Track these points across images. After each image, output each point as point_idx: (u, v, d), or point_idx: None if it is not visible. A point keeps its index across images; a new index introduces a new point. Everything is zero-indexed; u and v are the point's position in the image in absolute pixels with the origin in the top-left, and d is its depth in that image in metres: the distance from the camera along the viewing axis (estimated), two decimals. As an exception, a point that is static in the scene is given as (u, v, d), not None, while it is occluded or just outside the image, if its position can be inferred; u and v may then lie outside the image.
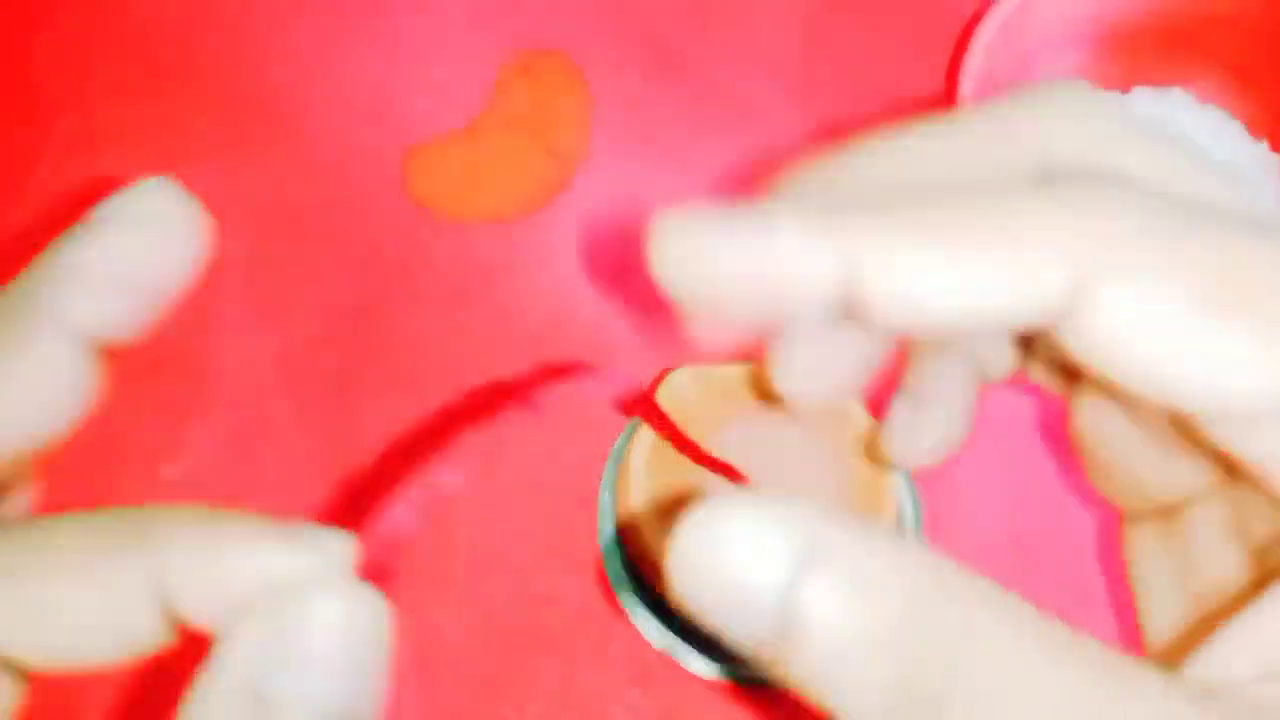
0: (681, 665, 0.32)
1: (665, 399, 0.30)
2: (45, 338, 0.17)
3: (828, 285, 0.15)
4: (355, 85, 0.39)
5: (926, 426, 0.20)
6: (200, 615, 0.15)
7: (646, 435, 0.30)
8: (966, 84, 0.34)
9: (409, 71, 0.40)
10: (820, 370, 0.19)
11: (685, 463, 0.30)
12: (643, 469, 0.29)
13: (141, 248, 0.18)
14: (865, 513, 0.30)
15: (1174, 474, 0.19)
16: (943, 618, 0.13)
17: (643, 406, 0.29)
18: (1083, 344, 0.15)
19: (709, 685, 0.32)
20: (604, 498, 0.33)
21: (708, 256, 0.15)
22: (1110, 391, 0.16)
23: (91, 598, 0.15)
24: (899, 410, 0.21)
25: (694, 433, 0.30)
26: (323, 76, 0.40)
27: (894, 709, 0.13)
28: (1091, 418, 0.19)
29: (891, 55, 0.40)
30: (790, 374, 0.19)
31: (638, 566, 0.31)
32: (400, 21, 0.40)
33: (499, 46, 0.40)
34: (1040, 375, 0.20)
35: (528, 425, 0.35)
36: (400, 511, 0.18)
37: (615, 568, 0.33)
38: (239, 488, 0.35)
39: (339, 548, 0.15)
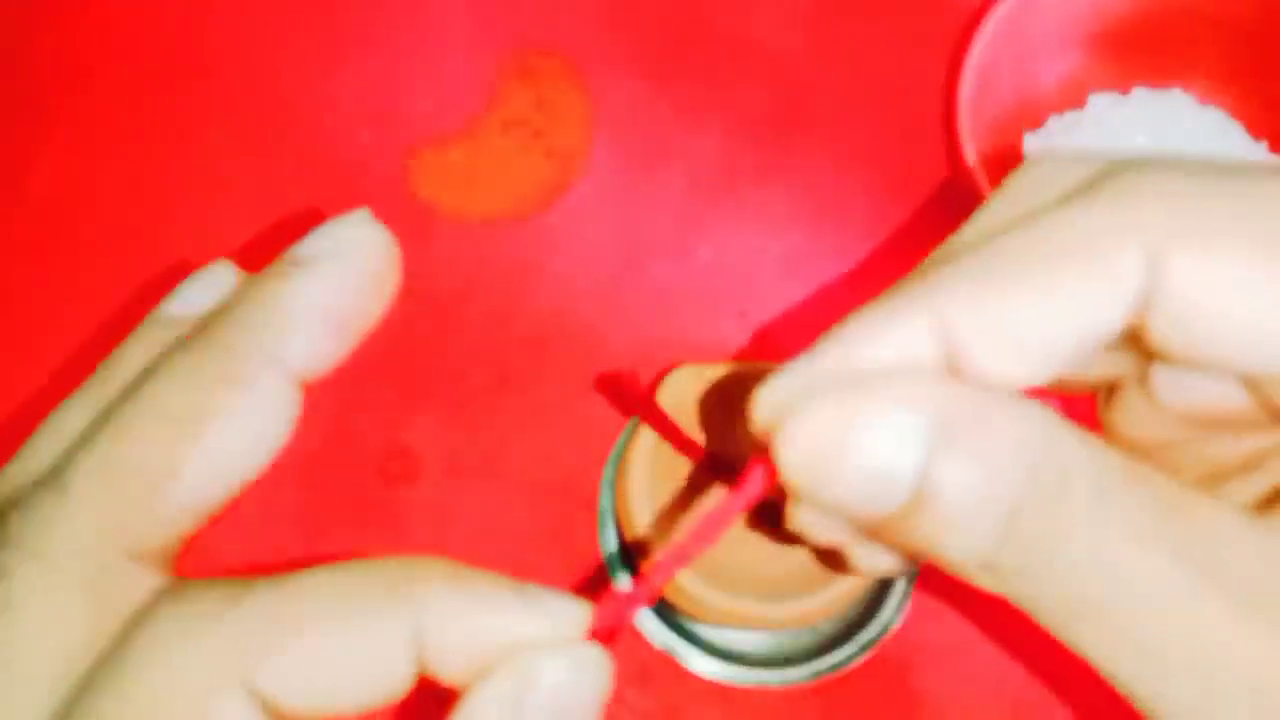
0: (681, 664, 0.32)
1: (665, 399, 0.30)
2: (266, 378, 0.18)
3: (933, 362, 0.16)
4: (356, 86, 0.39)
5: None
6: (446, 667, 0.17)
7: (646, 435, 0.30)
8: (966, 84, 0.34)
9: (409, 72, 0.40)
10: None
11: (685, 463, 0.30)
12: (643, 469, 0.29)
13: (351, 288, 0.19)
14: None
15: (1211, 458, 0.19)
16: (1051, 479, 0.15)
17: (643, 406, 0.29)
18: (1165, 319, 0.15)
19: (709, 685, 0.32)
20: (604, 498, 0.33)
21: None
22: (1188, 363, 0.16)
23: (357, 647, 0.16)
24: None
25: (694, 433, 0.30)
26: (323, 77, 0.40)
27: (1002, 552, 0.15)
28: (1131, 413, 0.19)
29: (892, 55, 0.40)
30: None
31: (638, 567, 0.31)
32: (400, 22, 0.40)
33: (499, 47, 0.40)
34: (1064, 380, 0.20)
35: (527, 425, 0.35)
36: (628, 587, 0.19)
37: (615, 568, 0.33)
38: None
39: (573, 614, 0.16)
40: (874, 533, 0.16)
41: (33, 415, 0.37)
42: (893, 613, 0.32)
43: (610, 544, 0.33)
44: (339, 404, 0.36)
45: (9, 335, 0.37)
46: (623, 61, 0.40)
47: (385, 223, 0.39)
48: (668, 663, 0.32)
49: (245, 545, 0.34)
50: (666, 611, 0.32)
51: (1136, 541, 0.15)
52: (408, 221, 0.38)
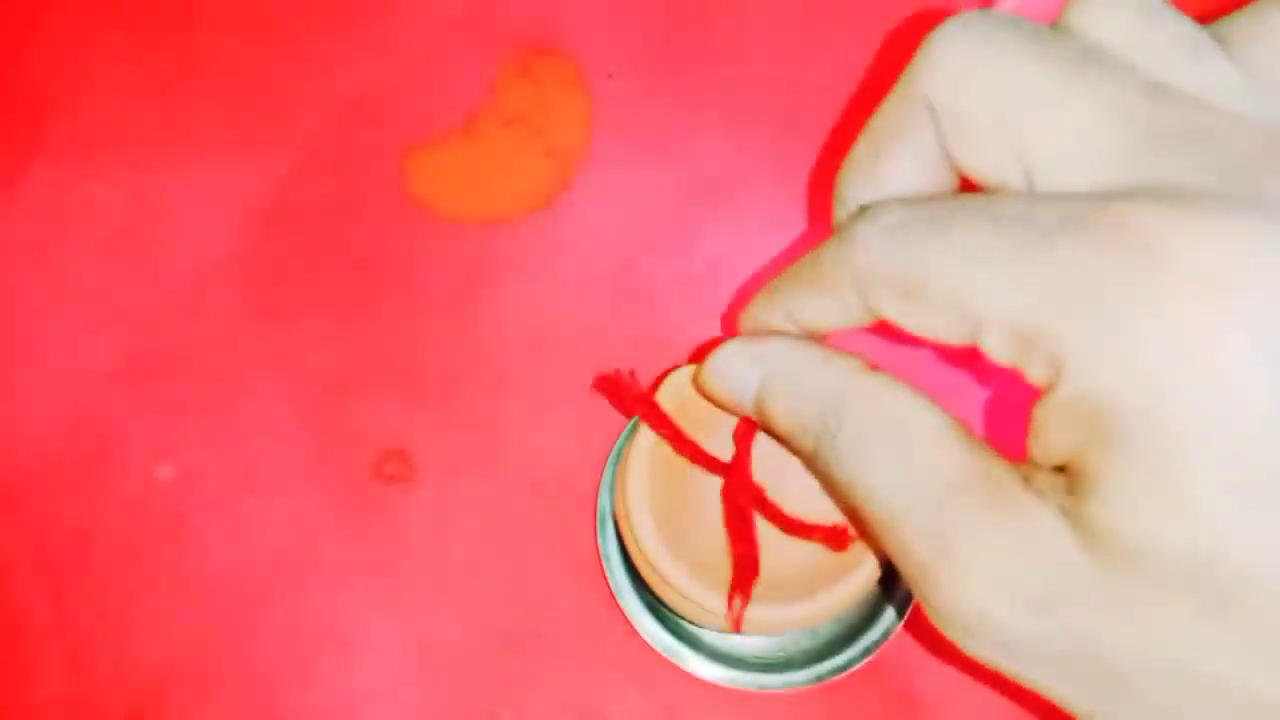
0: (681, 667, 0.32)
1: (665, 399, 0.30)
2: None
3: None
4: (354, 85, 0.39)
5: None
6: None
7: (646, 435, 0.29)
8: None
9: (408, 71, 0.39)
10: None
11: (685, 463, 0.30)
12: (643, 469, 0.29)
13: None
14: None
15: None
16: (838, 396, 0.23)
17: (643, 406, 0.29)
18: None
19: (708, 687, 0.32)
20: (603, 499, 0.33)
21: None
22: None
23: None
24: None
25: (694, 433, 0.30)
26: (321, 76, 0.39)
27: (807, 441, 0.23)
28: None
29: (892, 56, 0.40)
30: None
31: (637, 568, 0.30)
32: (399, 20, 0.40)
33: (498, 46, 0.40)
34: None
35: (526, 425, 0.35)
36: None
37: (615, 569, 0.33)
38: (236, 488, 0.35)
39: None
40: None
41: (32, 415, 0.37)
42: (895, 615, 0.32)
43: (610, 545, 0.33)
44: (336, 404, 0.35)
45: (8, 335, 0.36)
46: (623, 61, 0.40)
47: (384, 222, 0.39)
48: (668, 666, 0.32)
49: (243, 545, 0.34)
50: (667, 615, 0.32)
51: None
52: (405, 220, 0.38)
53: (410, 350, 0.36)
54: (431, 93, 0.39)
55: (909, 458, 0.21)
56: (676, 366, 0.31)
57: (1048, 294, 0.18)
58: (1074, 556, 0.18)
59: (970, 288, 0.19)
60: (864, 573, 0.29)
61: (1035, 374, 0.19)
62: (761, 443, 0.30)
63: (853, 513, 0.24)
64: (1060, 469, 0.20)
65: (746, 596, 0.29)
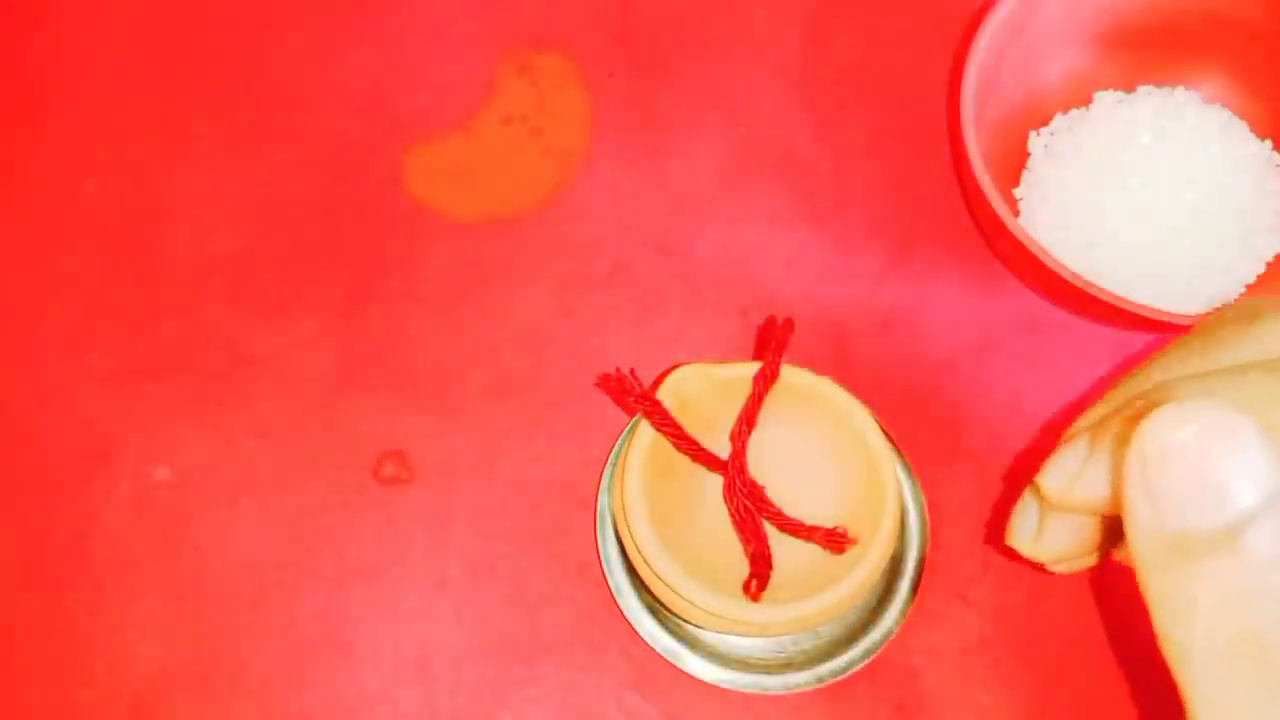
0: (681, 668, 0.32)
1: (666, 398, 0.29)
2: None
3: None
4: (354, 84, 0.39)
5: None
6: None
7: (647, 435, 0.29)
8: (970, 81, 0.33)
9: (408, 70, 0.39)
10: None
11: (685, 463, 0.30)
12: (641, 470, 0.29)
13: None
14: (866, 511, 0.29)
15: None
16: None
17: (644, 405, 0.29)
18: None
19: (710, 689, 0.32)
20: (603, 500, 0.33)
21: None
22: None
23: None
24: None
25: (694, 432, 0.30)
26: (321, 75, 0.39)
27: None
28: None
29: (892, 55, 0.40)
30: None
31: (637, 569, 0.30)
32: (399, 19, 0.40)
33: (498, 45, 0.40)
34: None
35: (525, 426, 0.35)
36: None
37: (615, 570, 0.32)
38: (234, 489, 0.34)
39: None
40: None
41: (31, 415, 0.37)
42: (895, 618, 0.32)
43: (610, 546, 0.33)
44: (334, 405, 0.35)
45: (7, 335, 0.36)
46: (623, 61, 0.39)
47: (383, 221, 0.39)
48: (669, 668, 0.32)
49: (241, 545, 0.34)
50: (667, 615, 0.32)
51: None
52: (404, 220, 0.37)
53: (409, 350, 0.36)
54: (431, 91, 0.39)
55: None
56: (677, 366, 0.30)
57: None
58: None
59: None
60: (863, 573, 0.28)
61: None
62: (759, 443, 0.30)
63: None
64: None
65: (763, 587, 0.29)
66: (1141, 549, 0.18)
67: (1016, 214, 0.36)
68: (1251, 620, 0.17)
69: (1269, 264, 0.36)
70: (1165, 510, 0.17)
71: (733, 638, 0.32)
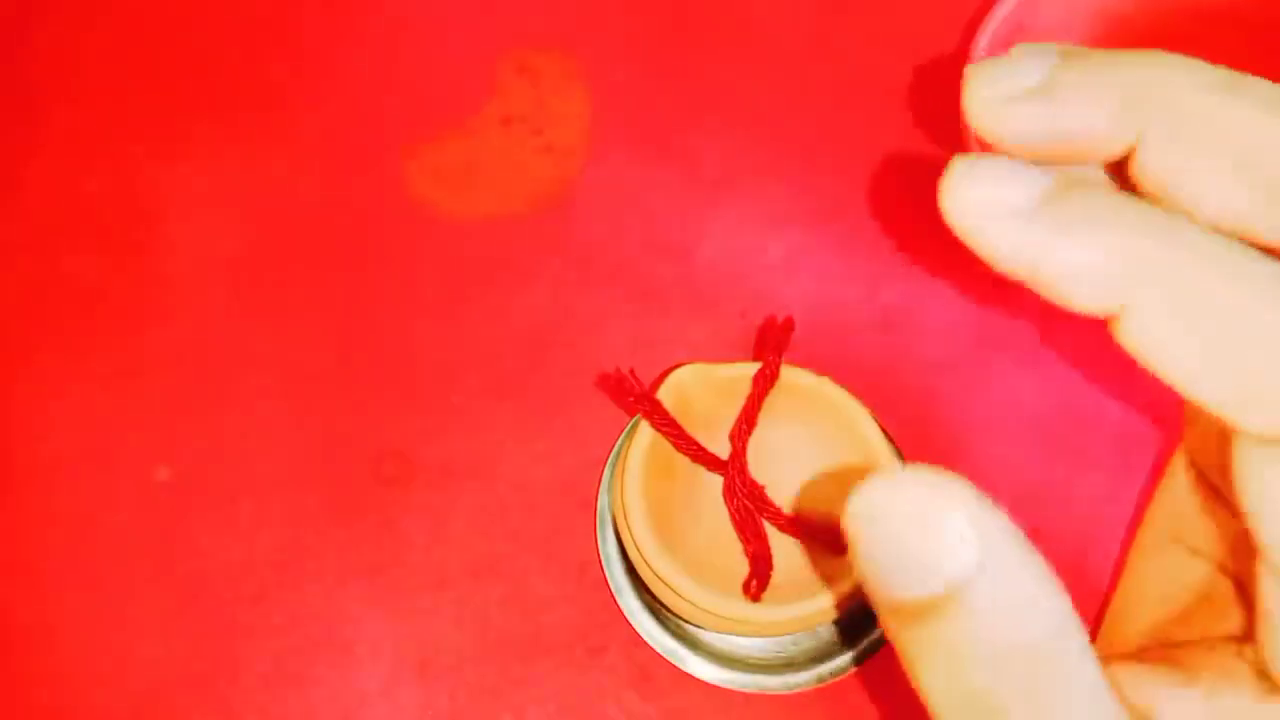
0: (681, 668, 0.32)
1: (666, 398, 0.29)
2: None
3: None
4: (353, 83, 0.39)
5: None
6: None
7: (646, 435, 0.29)
8: (969, 82, 0.33)
9: (407, 69, 0.39)
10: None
11: (685, 463, 0.30)
12: (642, 470, 0.29)
13: None
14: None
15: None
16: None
17: (643, 405, 0.29)
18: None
19: (710, 689, 0.32)
20: (603, 500, 0.33)
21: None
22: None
23: None
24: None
25: (694, 432, 0.30)
26: (320, 74, 0.39)
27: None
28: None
29: (893, 55, 0.40)
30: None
31: (637, 569, 0.30)
32: (398, 19, 0.40)
33: (498, 44, 0.40)
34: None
35: (525, 426, 0.35)
36: None
37: (615, 570, 0.32)
38: (233, 489, 0.34)
39: None
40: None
41: (30, 414, 0.37)
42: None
43: (610, 545, 0.33)
44: (333, 405, 0.35)
45: (7, 335, 0.36)
46: (623, 61, 0.40)
47: (383, 221, 0.39)
48: (669, 668, 0.32)
49: (240, 546, 0.34)
50: (667, 615, 0.32)
51: None
52: (404, 219, 0.37)
53: (409, 350, 0.36)
54: (431, 91, 0.39)
55: None
56: (677, 366, 0.30)
57: None
58: None
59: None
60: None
61: None
62: (759, 443, 0.30)
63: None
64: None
65: (763, 587, 0.29)
66: (876, 606, 0.19)
67: (1016, 214, 0.36)
68: (975, 679, 0.18)
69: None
70: (885, 578, 0.18)
71: (733, 638, 0.32)
